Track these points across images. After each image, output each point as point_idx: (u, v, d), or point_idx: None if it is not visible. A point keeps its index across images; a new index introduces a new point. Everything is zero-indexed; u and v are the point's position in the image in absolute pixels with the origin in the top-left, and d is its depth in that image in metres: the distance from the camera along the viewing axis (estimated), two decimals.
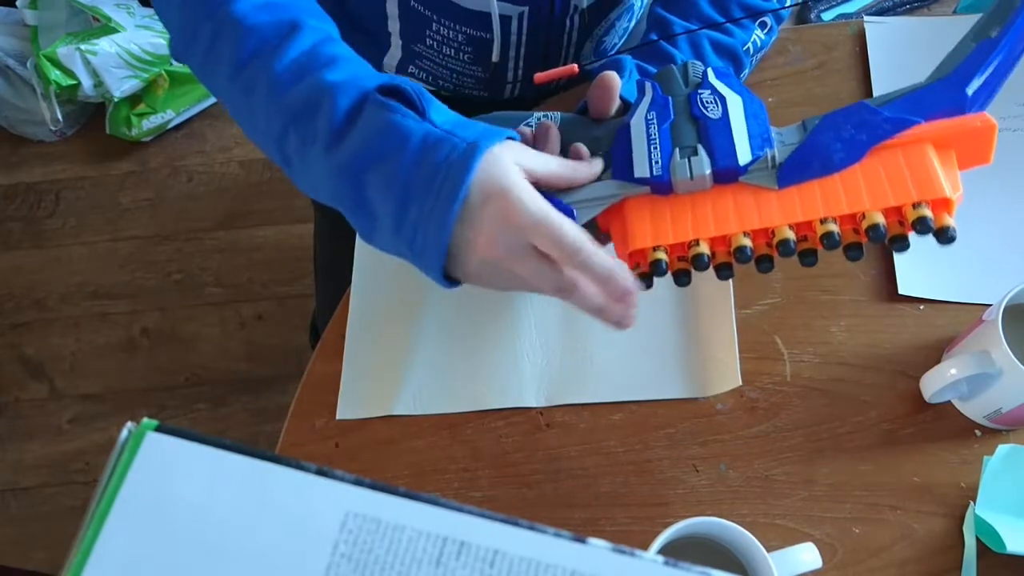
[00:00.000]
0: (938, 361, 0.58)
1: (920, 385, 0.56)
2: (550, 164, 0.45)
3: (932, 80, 0.44)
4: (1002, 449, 0.52)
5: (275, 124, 0.45)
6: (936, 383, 0.54)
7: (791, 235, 0.42)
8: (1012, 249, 0.62)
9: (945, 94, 0.43)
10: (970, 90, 0.43)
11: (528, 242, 0.41)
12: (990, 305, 0.54)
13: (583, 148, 0.48)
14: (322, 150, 0.44)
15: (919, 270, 0.62)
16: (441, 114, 0.44)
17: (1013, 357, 0.50)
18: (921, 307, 0.61)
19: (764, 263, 0.43)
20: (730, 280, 0.61)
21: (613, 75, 0.49)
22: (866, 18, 0.74)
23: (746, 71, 0.63)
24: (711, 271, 0.44)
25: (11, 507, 1.31)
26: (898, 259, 0.62)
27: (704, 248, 0.43)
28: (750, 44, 0.61)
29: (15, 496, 1.32)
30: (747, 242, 0.43)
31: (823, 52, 0.73)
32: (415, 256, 0.44)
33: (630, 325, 0.43)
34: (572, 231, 0.41)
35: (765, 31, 0.63)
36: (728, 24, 0.60)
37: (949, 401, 0.58)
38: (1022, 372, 0.50)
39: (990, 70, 0.43)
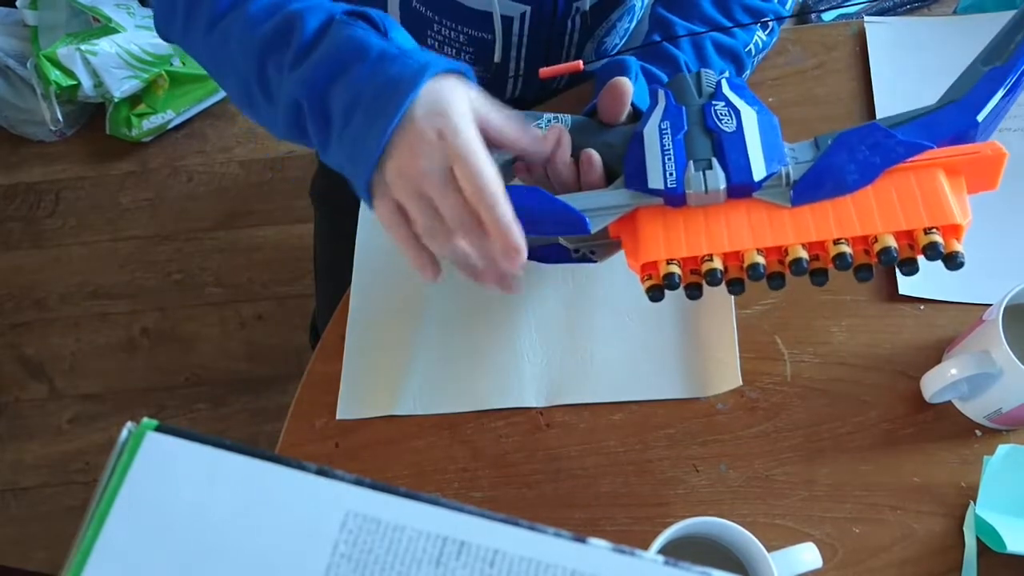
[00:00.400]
0: (938, 361, 0.58)
1: (920, 385, 0.56)
2: (498, 117, 0.45)
3: (943, 104, 0.44)
4: (1002, 449, 0.52)
5: (252, 63, 0.47)
6: (936, 383, 0.54)
7: (804, 255, 0.42)
8: (1012, 249, 0.62)
9: (956, 119, 0.43)
10: (980, 117, 0.43)
11: (448, 166, 0.42)
12: (990, 305, 0.54)
13: (595, 155, 0.48)
14: (289, 69, 0.45)
15: (919, 270, 0.62)
16: (403, 38, 0.46)
17: (1013, 357, 0.50)
18: (921, 307, 0.61)
19: (776, 280, 0.43)
20: None
21: (626, 81, 0.49)
22: (866, 18, 0.74)
23: (748, 72, 0.63)
24: (722, 285, 0.44)
25: (11, 507, 1.31)
26: None
27: (717, 263, 0.43)
28: (752, 45, 0.61)
29: (15, 496, 1.32)
30: (760, 259, 0.43)
31: (823, 52, 0.73)
32: (352, 165, 0.45)
33: (513, 289, 0.44)
34: (492, 172, 0.41)
35: (767, 32, 0.63)
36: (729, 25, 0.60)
37: (949, 401, 0.58)
38: (1022, 372, 0.50)
39: (999, 97, 0.43)
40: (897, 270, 0.43)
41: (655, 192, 0.45)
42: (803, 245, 0.42)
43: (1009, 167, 0.66)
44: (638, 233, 0.45)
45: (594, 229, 0.45)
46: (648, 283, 0.44)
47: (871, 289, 0.62)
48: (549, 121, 0.51)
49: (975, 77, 0.44)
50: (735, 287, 0.44)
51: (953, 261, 0.41)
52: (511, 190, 0.45)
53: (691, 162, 0.44)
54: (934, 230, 0.41)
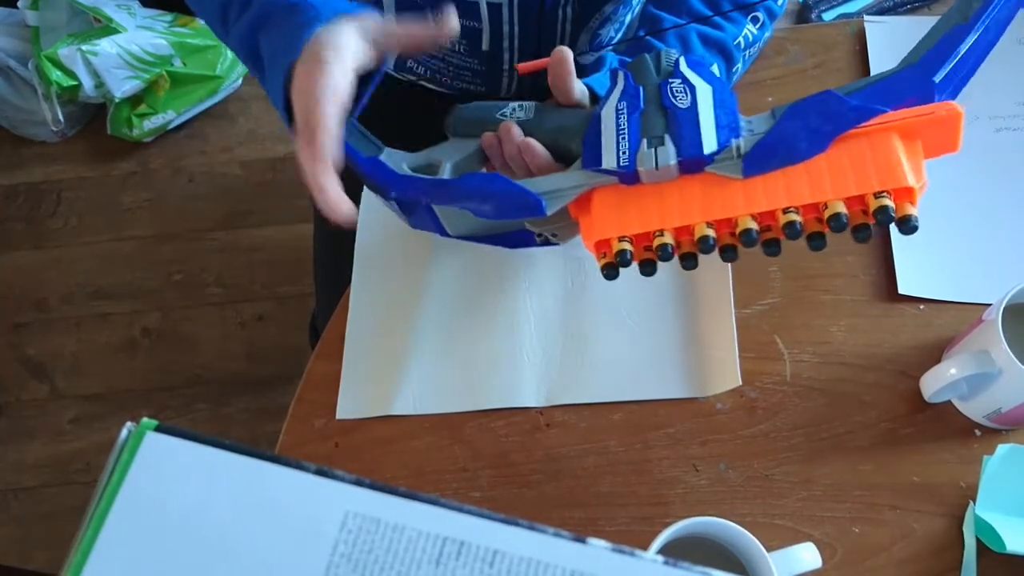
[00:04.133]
0: (938, 361, 0.58)
1: (920, 385, 0.56)
2: (385, 24, 0.50)
3: (902, 67, 0.44)
4: (1002, 449, 0.52)
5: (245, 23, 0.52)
6: (936, 383, 0.54)
7: (754, 225, 0.42)
8: (1012, 249, 0.62)
9: (912, 82, 0.43)
10: (938, 78, 0.42)
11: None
12: (990, 305, 0.54)
13: (532, 142, 0.49)
14: (234, 21, 0.52)
15: (919, 270, 0.62)
16: None
17: (1013, 357, 0.50)
18: (921, 307, 0.61)
19: (728, 252, 0.43)
20: (729, 279, 0.61)
21: (563, 49, 0.49)
22: (866, 18, 0.74)
23: (739, 66, 0.62)
24: (675, 261, 0.44)
25: (12, 507, 1.31)
26: (898, 259, 0.62)
27: (668, 238, 0.43)
28: (741, 39, 0.61)
29: (16, 496, 1.32)
30: (710, 232, 0.42)
31: (823, 52, 0.73)
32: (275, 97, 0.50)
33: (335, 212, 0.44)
34: (325, 107, 0.45)
35: (757, 26, 0.62)
36: (719, 19, 0.60)
37: (949, 401, 0.58)
38: (1022, 372, 0.50)
39: (959, 56, 0.42)
40: (897, 258, 0.42)
41: (608, 172, 0.45)
42: (752, 216, 0.42)
43: (1008, 167, 0.66)
44: (592, 212, 0.45)
45: (550, 211, 0.45)
46: (603, 261, 0.44)
47: (871, 289, 0.62)
48: (513, 109, 0.52)
49: (935, 38, 0.43)
50: (688, 262, 0.44)
51: (906, 225, 0.40)
52: (474, 177, 0.46)
53: (644, 140, 0.45)
54: (885, 194, 0.40)
